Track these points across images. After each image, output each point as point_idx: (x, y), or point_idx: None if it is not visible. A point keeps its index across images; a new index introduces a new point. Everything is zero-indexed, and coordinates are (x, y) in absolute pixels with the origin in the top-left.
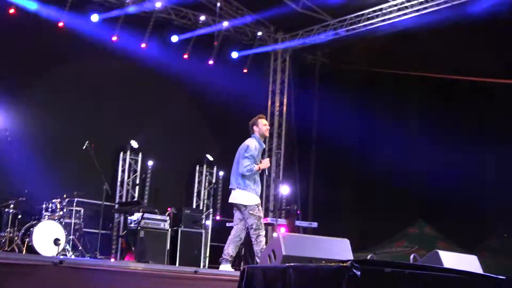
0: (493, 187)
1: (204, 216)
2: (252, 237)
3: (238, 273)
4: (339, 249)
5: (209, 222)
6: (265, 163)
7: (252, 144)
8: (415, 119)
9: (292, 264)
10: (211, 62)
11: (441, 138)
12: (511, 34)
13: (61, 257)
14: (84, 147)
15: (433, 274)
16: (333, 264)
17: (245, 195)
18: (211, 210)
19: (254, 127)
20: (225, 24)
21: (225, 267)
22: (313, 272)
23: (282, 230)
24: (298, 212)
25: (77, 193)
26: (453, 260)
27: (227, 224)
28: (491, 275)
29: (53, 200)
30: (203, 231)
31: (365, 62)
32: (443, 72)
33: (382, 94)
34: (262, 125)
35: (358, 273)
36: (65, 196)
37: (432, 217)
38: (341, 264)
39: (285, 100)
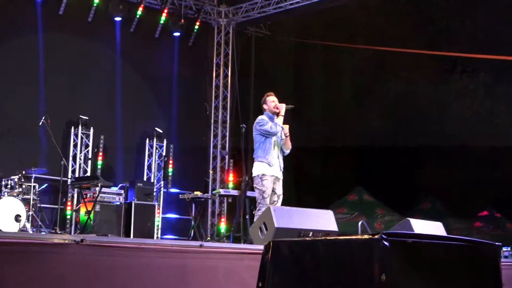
0: (424, 156)
1: (155, 189)
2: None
3: (242, 245)
4: (325, 220)
5: (160, 195)
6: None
7: (263, 117)
8: (347, 86)
9: (321, 238)
10: (156, 35)
11: (372, 108)
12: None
13: (82, 235)
14: (40, 122)
15: (445, 243)
16: (363, 236)
17: (254, 166)
18: (162, 182)
19: (264, 106)
20: None
21: None
22: (343, 245)
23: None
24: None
25: (35, 169)
26: (423, 226)
27: (180, 197)
28: (490, 242)
29: (12, 177)
30: (156, 203)
31: (303, 34)
32: (371, 43)
33: (313, 64)
34: (270, 102)
35: (388, 244)
36: (24, 172)
37: (369, 184)
38: (372, 236)
39: (229, 73)
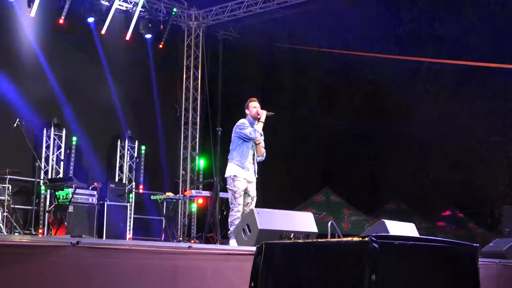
0: (388, 157)
1: (127, 190)
2: None
3: (228, 247)
4: (305, 221)
5: (132, 196)
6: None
7: (244, 121)
8: (314, 88)
9: (314, 240)
10: (128, 38)
11: (338, 109)
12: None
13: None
14: (15, 124)
15: (428, 244)
16: (354, 239)
17: (228, 167)
18: (133, 184)
19: (246, 110)
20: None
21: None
22: (334, 247)
23: (200, 201)
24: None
25: (10, 170)
26: (397, 228)
27: (152, 197)
28: (468, 243)
29: None
30: (128, 204)
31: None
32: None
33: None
34: (252, 107)
35: (377, 246)
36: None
37: (335, 185)
38: (362, 239)
39: (199, 75)
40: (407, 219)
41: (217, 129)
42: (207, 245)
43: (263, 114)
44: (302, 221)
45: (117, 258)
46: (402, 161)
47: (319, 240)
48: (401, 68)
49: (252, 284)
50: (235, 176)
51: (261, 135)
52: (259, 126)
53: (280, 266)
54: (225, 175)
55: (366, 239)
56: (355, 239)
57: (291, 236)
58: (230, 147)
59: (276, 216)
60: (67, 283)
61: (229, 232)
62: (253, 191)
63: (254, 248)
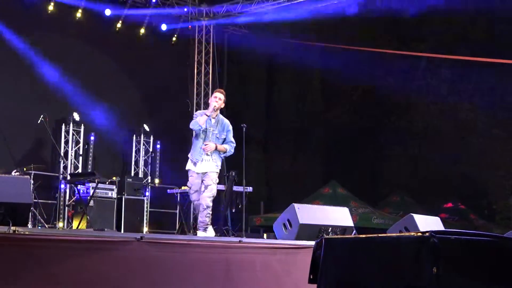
0: (390, 150)
1: (143, 184)
2: None
3: (275, 241)
4: (342, 216)
5: (148, 190)
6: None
7: (198, 112)
8: (317, 82)
9: (374, 235)
10: (141, 33)
11: (341, 103)
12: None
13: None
14: (39, 121)
15: (479, 239)
16: (413, 234)
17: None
18: (149, 178)
19: (209, 99)
20: None
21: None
22: (394, 242)
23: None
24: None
25: (34, 166)
26: (424, 221)
27: (168, 191)
28: None
29: (13, 173)
30: (145, 198)
31: (276, 31)
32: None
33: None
34: (213, 97)
35: (436, 241)
36: (25, 169)
37: (341, 178)
38: (422, 234)
39: (210, 70)
40: (411, 211)
41: (242, 125)
42: (256, 239)
43: (211, 106)
44: (339, 216)
45: (175, 252)
46: (404, 154)
47: (380, 235)
48: (402, 62)
49: (311, 276)
50: (188, 170)
51: (200, 127)
52: (201, 119)
53: (340, 260)
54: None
55: (426, 234)
56: (415, 234)
57: (329, 230)
58: None
59: (315, 211)
60: (133, 275)
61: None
62: (207, 180)
63: (297, 242)
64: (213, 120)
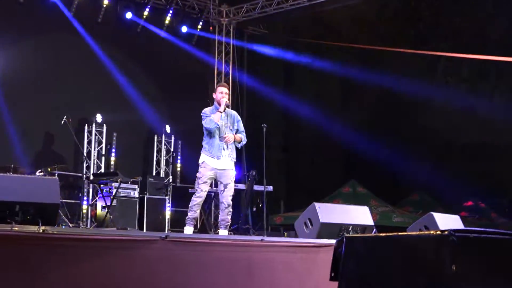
0: (410, 149)
1: (165, 184)
2: None
3: (295, 239)
4: (362, 215)
5: (169, 189)
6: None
7: (206, 109)
8: (335, 82)
9: (394, 234)
10: (162, 35)
11: (360, 103)
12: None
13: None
14: (62, 122)
15: (498, 237)
16: (433, 232)
17: (201, 155)
18: (170, 177)
19: (213, 94)
20: None
21: (221, 232)
22: (414, 240)
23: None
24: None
25: (58, 166)
26: (443, 219)
27: (190, 191)
28: None
29: (37, 173)
30: (166, 197)
31: (294, 31)
32: (359, 39)
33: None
34: (219, 92)
35: (455, 239)
36: (49, 169)
37: (359, 177)
38: (442, 232)
39: (230, 70)
40: (431, 210)
41: (262, 125)
42: (277, 238)
43: (223, 103)
44: (359, 215)
45: (199, 250)
46: (424, 153)
47: (400, 234)
48: (421, 61)
49: (333, 274)
50: (203, 162)
51: (217, 125)
52: (216, 116)
53: (361, 258)
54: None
55: (446, 233)
56: (434, 233)
57: (350, 229)
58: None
59: (335, 210)
60: (158, 273)
61: (186, 217)
62: (225, 179)
63: (318, 241)
64: (223, 115)
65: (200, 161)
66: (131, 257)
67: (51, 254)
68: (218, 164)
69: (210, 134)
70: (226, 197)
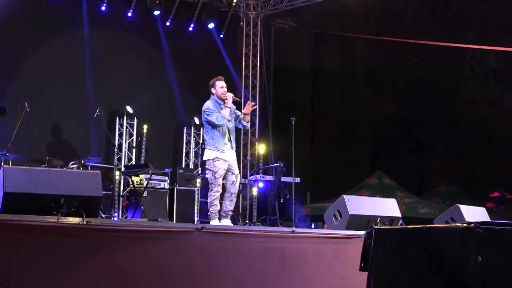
0: (436, 140)
1: (194, 175)
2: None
3: (325, 231)
4: (390, 207)
5: (198, 180)
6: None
7: (208, 104)
8: (361, 73)
9: (422, 226)
10: (191, 29)
11: (386, 93)
12: None
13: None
14: (95, 115)
15: None
16: (459, 225)
17: (205, 152)
18: (199, 169)
19: (212, 89)
20: None
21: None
22: (441, 232)
23: (261, 184)
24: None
25: (90, 158)
26: (470, 212)
27: None
28: None
29: (70, 165)
30: (195, 188)
31: (320, 23)
32: (386, 29)
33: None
34: (219, 87)
35: (481, 231)
36: (82, 161)
37: (386, 168)
38: (468, 225)
39: (258, 63)
40: (458, 201)
41: (291, 118)
42: (308, 230)
43: (230, 97)
44: (387, 207)
45: (234, 241)
46: (450, 144)
47: (427, 226)
48: (448, 51)
49: (362, 264)
50: (215, 157)
51: (229, 121)
52: (226, 112)
53: (390, 249)
54: (204, 159)
55: (472, 225)
56: (460, 225)
57: (378, 221)
58: (204, 133)
59: (363, 202)
60: (195, 263)
61: (208, 213)
62: (236, 169)
63: (347, 232)
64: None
65: (210, 157)
66: (169, 246)
67: (93, 245)
68: (226, 156)
69: (215, 129)
70: (236, 187)
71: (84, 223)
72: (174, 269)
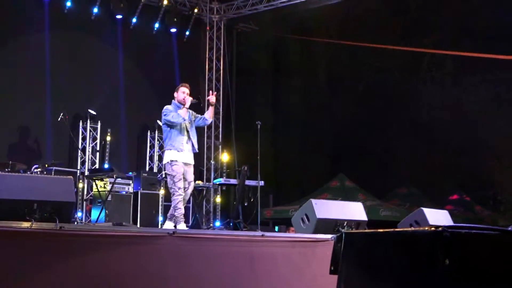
0: (396, 142)
1: (158, 179)
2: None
3: (294, 234)
4: (356, 211)
5: (162, 184)
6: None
7: (168, 107)
8: (322, 76)
9: (391, 229)
10: (154, 32)
11: (346, 96)
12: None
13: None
14: (59, 118)
15: (487, 233)
16: (427, 228)
17: (164, 154)
18: (163, 173)
19: (175, 93)
20: None
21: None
22: (410, 236)
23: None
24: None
25: (53, 162)
26: (433, 215)
27: None
28: None
29: (34, 169)
30: (159, 192)
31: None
32: (346, 33)
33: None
34: (181, 92)
35: (448, 235)
36: (46, 165)
37: (346, 171)
38: (436, 228)
39: (221, 67)
40: (418, 203)
41: (257, 122)
42: (277, 234)
43: (188, 100)
44: (354, 211)
45: (204, 245)
46: (410, 147)
47: (396, 229)
48: (406, 55)
49: (332, 268)
50: (172, 161)
51: (184, 120)
52: (183, 111)
53: (360, 252)
54: (163, 162)
55: (440, 228)
56: (428, 228)
57: (345, 224)
58: (163, 137)
59: (331, 206)
60: (166, 267)
61: (168, 214)
62: (190, 176)
63: (314, 236)
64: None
65: (169, 159)
66: (141, 252)
67: (67, 250)
68: (185, 157)
69: (172, 129)
70: (188, 194)
71: (58, 228)
72: (148, 273)
